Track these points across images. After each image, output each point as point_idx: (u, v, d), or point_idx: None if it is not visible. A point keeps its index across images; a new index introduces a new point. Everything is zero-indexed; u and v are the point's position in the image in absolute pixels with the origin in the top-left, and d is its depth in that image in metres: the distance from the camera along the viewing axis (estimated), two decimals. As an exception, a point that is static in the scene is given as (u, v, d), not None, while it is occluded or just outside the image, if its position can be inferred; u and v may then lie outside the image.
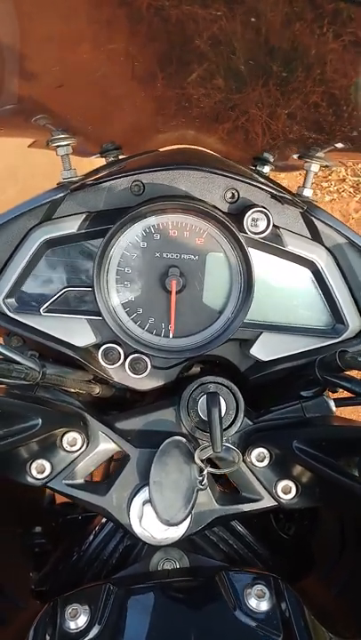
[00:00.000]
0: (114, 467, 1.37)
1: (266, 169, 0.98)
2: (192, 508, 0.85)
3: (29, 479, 0.87)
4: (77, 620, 0.77)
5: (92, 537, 1.12)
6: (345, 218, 3.89)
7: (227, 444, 0.86)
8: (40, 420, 0.80)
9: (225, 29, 0.64)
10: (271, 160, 0.98)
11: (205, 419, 0.88)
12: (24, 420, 0.80)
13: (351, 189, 4.01)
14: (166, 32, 0.67)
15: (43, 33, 0.69)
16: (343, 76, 0.71)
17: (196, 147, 1.06)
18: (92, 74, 0.80)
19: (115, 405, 1.07)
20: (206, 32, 0.65)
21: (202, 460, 0.87)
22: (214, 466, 0.91)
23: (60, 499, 1.46)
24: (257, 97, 0.80)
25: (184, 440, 0.89)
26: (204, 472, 0.87)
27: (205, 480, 0.87)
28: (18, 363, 0.78)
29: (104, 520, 1.14)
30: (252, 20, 0.62)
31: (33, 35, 0.68)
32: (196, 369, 1.02)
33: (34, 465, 0.87)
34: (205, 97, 0.84)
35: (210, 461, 0.90)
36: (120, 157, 0.99)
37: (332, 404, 0.91)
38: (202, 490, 0.88)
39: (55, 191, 0.88)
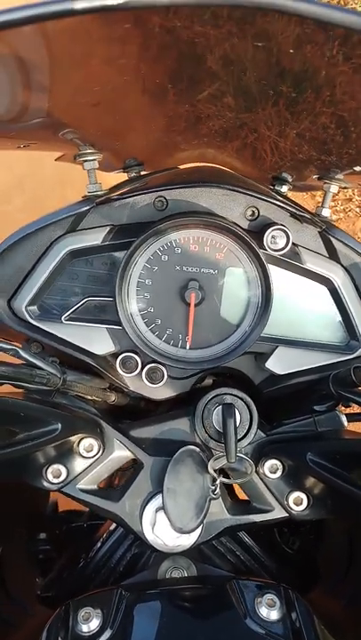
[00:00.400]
0: (119, 475, 1.38)
1: (284, 188, 1.01)
2: (204, 516, 0.87)
3: (45, 483, 0.89)
4: (90, 623, 0.78)
5: (99, 544, 1.13)
6: (350, 237, 3.92)
7: (240, 455, 0.88)
8: (60, 425, 0.82)
9: (236, 49, 0.66)
10: (290, 180, 1.01)
11: (219, 429, 0.90)
12: (44, 424, 0.82)
13: (358, 209, 4.04)
14: (177, 50, 0.69)
15: (69, 55, 0.71)
16: (352, 99, 0.73)
17: (215, 165, 1.09)
18: (125, 92, 0.83)
19: (129, 414, 1.09)
20: (218, 51, 0.67)
21: (215, 470, 0.89)
22: (227, 476, 0.93)
23: (62, 506, 1.48)
24: (266, 116, 0.82)
25: (198, 449, 0.91)
26: (217, 482, 0.88)
27: (218, 490, 0.89)
28: (40, 368, 0.80)
29: (112, 527, 1.15)
30: (262, 44, 0.64)
31: (60, 53, 0.70)
32: (209, 380, 1.04)
33: (50, 469, 0.88)
34: (216, 115, 0.86)
35: (222, 471, 0.92)
36: (142, 173, 1.01)
37: (343, 418, 0.93)
38: (214, 499, 0.89)
39: (81, 204, 0.90)
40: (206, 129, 0.91)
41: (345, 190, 4.06)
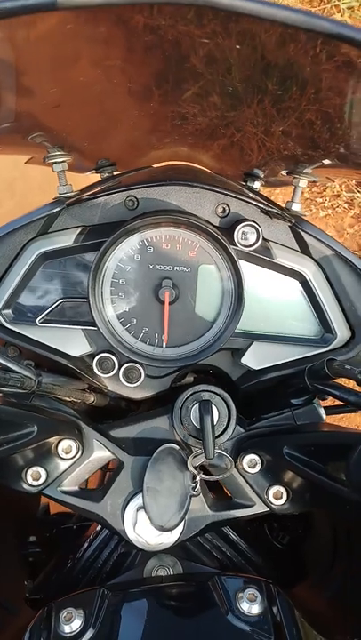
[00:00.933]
0: (109, 475, 1.38)
1: (256, 184, 1.01)
2: (185, 513, 0.87)
3: (25, 486, 0.89)
4: (72, 623, 0.78)
5: (86, 545, 1.13)
6: (339, 233, 3.93)
7: (219, 451, 0.88)
8: (36, 428, 0.82)
9: (221, 48, 0.66)
10: (261, 176, 1.02)
11: (198, 426, 0.90)
12: (20, 427, 0.82)
13: (346, 205, 4.05)
14: (162, 50, 0.69)
15: (39, 53, 0.71)
16: (337, 95, 0.73)
17: (188, 163, 1.10)
18: (87, 93, 0.83)
19: (110, 414, 1.09)
20: (202, 50, 0.68)
21: (195, 467, 0.89)
22: (207, 472, 0.93)
23: (54, 509, 1.48)
24: (252, 114, 0.83)
25: (177, 447, 0.91)
26: (197, 479, 0.89)
27: (198, 486, 0.89)
28: (14, 371, 0.80)
29: (98, 528, 1.15)
30: (246, 43, 0.64)
31: (29, 55, 0.71)
32: (189, 378, 1.04)
33: (29, 472, 0.89)
34: (201, 114, 0.86)
35: (203, 468, 0.92)
36: (115, 173, 1.02)
37: (322, 411, 0.93)
38: (195, 496, 0.90)
39: (51, 205, 0.90)
40: (192, 128, 0.91)
41: (332, 187, 4.07)
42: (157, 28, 0.64)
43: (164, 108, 0.87)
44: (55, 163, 0.91)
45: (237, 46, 0.66)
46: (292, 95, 0.74)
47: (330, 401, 1.02)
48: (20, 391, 0.82)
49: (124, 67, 0.78)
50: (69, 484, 0.93)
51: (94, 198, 0.91)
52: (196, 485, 0.89)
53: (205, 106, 0.83)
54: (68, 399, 0.96)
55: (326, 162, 0.90)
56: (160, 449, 0.91)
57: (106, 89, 0.82)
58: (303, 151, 0.90)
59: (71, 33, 0.68)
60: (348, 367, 0.81)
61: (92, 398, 0.98)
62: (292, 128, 0.84)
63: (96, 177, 1.05)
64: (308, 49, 0.63)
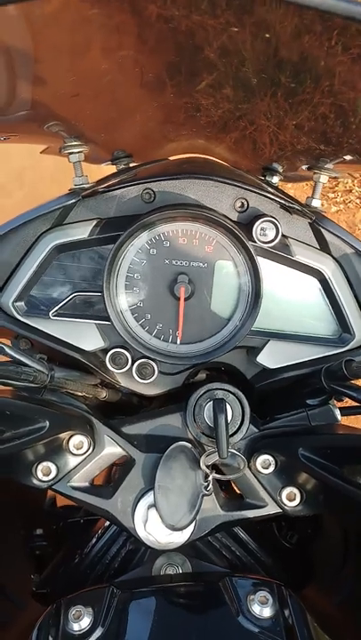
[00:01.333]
0: (116, 471, 1.37)
1: (275, 179, 0.99)
2: (197, 513, 0.86)
3: (35, 481, 0.88)
4: (81, 621, 0.78)
5: (94, 540, 1.13)
6: (351, 229, 3.90)
7: (232, 451, 0.87)
8: (47, 423, 0.81)
9: (234, 39, 0.65)
10: (280, 170, 0.99)
11: (211, 425, 0.89)
12: (32, 422, 0.81)
13: (358, 200, 4.02)
14: (175, 41, 0.68)
15: (55, 42, 0.70)
16: (352, 89, 0.72)
17: (205, 156, 1.07)
18: (104, 82, 0.82)
19: (122, 410, 1.08)
20: (216, 42, 0.66)
21: (207, 466, 0.88)
22: (219, 472, 0.92)
23: (61, 502, 1.47)
24: (265, 107, 0.81)
25: (190, 445, 0.90)
26: (210, 478, 0.88)
27: (210, 486, 0.88)
28: (27, 365, 0.79)
29: (107, 523, 1.15)
30: (262, 33, 0.63)
31: (46, 43, 0.69)
32: (202, 375, 1.03)
33: (40, 467, 0.88)
34: (214, 106, 0.85)
35: (215, 467, 0.91)
36: (131, 165, 1.00)
37: (337, 412, 0.92)
38: (207, 495, 0.88)
39: (67, 197, 0.89)
40: (205, 120, 0.89)
41: (345, 182, 4.03)
42: (171, 18, 0.63)
43: (177, 100, 0.85)
44: (72, 153, 0.90)
45: (251, 38, 0.65)
46: (306, 88, 0.73)
47: (345, 402, 1.00)
48: (33, 385, 0.81)
49: (137, 57, 0.76)
50: (80, 479, 0.92)
51: (110, 190, 0.89)
52: (208, 485, 0.88)
53: (219, 98, 0.81)
54: (79, 394, 0.94)
55: (348, 157, 0.88)
56: (172, 447, 0.89)
57: (121, 79, 0.81)
58: (319, 146, 0.88)
59: (86, 21, 0.67)
60: (367, 368, 0.79)
61: (103, 393, 0.97)
62: (305, 122, 0.82)
63: (111, 168, 1.03)
64: (323, 40, 0.61)
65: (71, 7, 0.60)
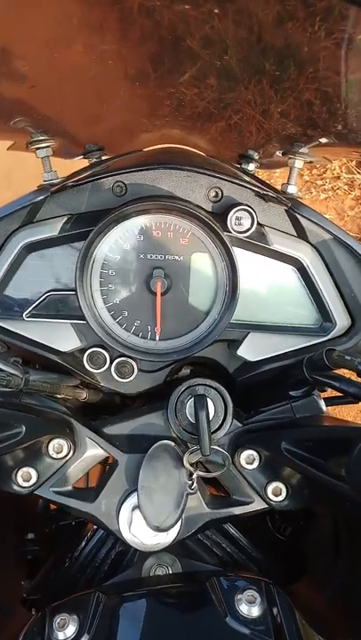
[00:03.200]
0: (104, 473, 1.35)
1: (251, 166, 0.97)
2: (182, 512, 0.84)
3: (15, 487, 0.86)
4: (66, 630, 0.75)
5: (83, 543, 1.11)
6: (340, 215, 3.87)
7: (215, 447, 0.85)
8: (24, 428, 0.79)
9: (217, 29, 0.63)
10: (256, 157, 0.97)
11: (194, 422, 0.87)
12: (7, 428, 0.79)
13: (346, 187, 3.99)
14: (158, 32, 0.66)
15: (21, 33, 0.67)
16: (336, 74, 0.70)
17: (180, 146, 1.05)
18: (74, 74, 0.79)
19: (105, 410, 1.06)
20: (198, 32, 0.65)
21: (191, 464, 0.86)
22: (204, 469, 0.90)
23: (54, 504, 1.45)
24: (250, 95, 0.79)
25: (172, 444, 0.88)
26: (194, 476, 0.85)
27: (195, 484, 0.86)
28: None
29: (95, 526, 1.13)
30: (245, 21, 0.62)
31: (7, 34, 0.66)
32: (186, 371, 1.01)
33: (19, 473, 0.85)
34: (198, 96, 0.83)
35: (199, 465, 0.89)
36: (103, 158, 0.97)
37: (322, 403, 0.90)
38: (192, 494, 0.86)
39: (35, 194, 0.86)
40: (190, 111, 0.87)
41: (332, 169, 4.00)
42: (153, 10, 0.61)
43: (160, 91, 0.83)
44: (39, 148, 0.87)
45: (234, 26, 0.63)
46: (291, 75, 0.71)
47: (330, 392, 0.98)
48: (6, 389, 0.79)
49: (118, 49, 0.74)
50: (62, 483, 0.89)
51: (80, 185, 0.86)
52: (192, 483, 0.86)
53: (203, 88, 0.80)
54: (59, 396, 0.92)
55: (323, 140, 0.86)
56: (155, 446, 0.87)
57: (95, 71, 0.79)
58: (301, 131, 0.86)
59: (64, 12, 0.64)
60: (348, 357, 0.77)
61: (84, 395, 0.95)
62: (291, 108, 0.80)
63: (84, 162, 1.00)
64: (306, 26, 0.60)
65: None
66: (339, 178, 4.01)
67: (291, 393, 0.90)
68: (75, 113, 0.94)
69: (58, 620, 0.78)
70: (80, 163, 1.01)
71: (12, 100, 0.80)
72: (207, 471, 0.89)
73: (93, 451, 0.91)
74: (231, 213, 0.84)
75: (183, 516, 0.86)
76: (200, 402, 0.85)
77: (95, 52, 0.75)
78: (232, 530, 1.09)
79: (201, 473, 0.86)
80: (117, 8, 0.63)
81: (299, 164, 0.88)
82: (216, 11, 0.60)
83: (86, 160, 0.99)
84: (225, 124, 0.93)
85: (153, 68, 0.77)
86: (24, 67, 0.69)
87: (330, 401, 0.97)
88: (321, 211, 4.07)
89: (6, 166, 3.38)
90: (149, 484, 0.85)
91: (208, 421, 0.83)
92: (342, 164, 4.02)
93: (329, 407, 0.98)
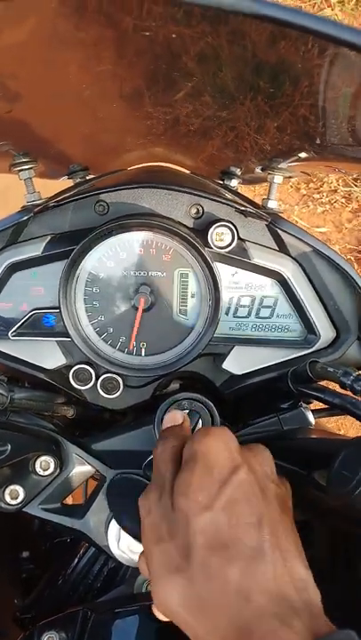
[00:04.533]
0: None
1: (233, 182, 0.98)
2: None
3: (2, 505, 0.86)
4: (53, 648, 0.75)
5: (76, 560, 1.10)
6: (338, 228, 3.88)
7: None
8: (9, 446, 0.80)
9: (211, 47, 0.65)
10: (238, 173, 0.98)
11: None
12: None
13: (343, 200, 4.00)
14: (152, 51, 0.68)
15: (10, 54, 0.69)
16: (331, 89, 0.71)
17: (163, 164, 1.06)
18: (64, 96, 0.81)
19: (95, 426, 1.06)
20: (192, 50, 0.66)
21: None
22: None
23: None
24: (246, 112, 0.80)
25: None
26: None
27: None
28: None
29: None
30: (238, 41, 0.63)
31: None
32: (175, 385, 1.01)
33: (7, 491, 0.86)
34: (194, 114, 0.84)
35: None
36: (87, 178, 0.99)
37: (310, 415, 0.90)
38: None
39: (19, 214, 0.88)
40: (185, 129, 0.89)
41: (329, 182, 4.02)
42: (148, 29, 0.63)
43: (152, 109, 0.85)
44: (22, 170, 0.89)
45: (228, 45, 0.65)
46: (286, 91, 0.73)
47: (317, 404, 0.99)
48: None
49: (101, 69, 0.75)
50: (50, 500, 0.90)
51: (62, 205, 0.87)
52: None
53: (198, 105, 0.81)
54: (47, 414, 0.93)
55: (303, 155, 0.87)
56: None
57: (84, 91, 0.80)
58: (303, 146, 0.87)
59: (54, 36, 0.66)
60: (331, 369, 0.78)
61: (71, 412, 0.95)
62: (287, 124, 0.81)
63: (70, 183, 1.02)
64: (299, 45, 0.62)
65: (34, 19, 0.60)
66: (336, 191, 4.02)
67: (278, 405, 0.90)
68: (61, 134, 0.96)
69: (45, 639, 0.78)
70: (65, 183, 1.02)
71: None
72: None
73: (81, 467, 0.91)
74: (212, 229, 0.85)
75: None
76: (192, 418, 0.85)
77: (88, 73, 0.76)
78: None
79: None
80: (111, 29, 0.65)
81: (278, 179, 0.89)
82: (208, 31, 0.61)
83: (71, 180, 1.00)
84: (221, 142, 0.94)
85: (147, 87, 0.78)
86: (17, 91, 0.71)
87: (318, 413, 0.97)
88: (318, 224, 4.09)
89: (4, 185, 3.41)
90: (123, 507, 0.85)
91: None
92: (339, 177, 4.04)
93: (323, 419, 0.98)
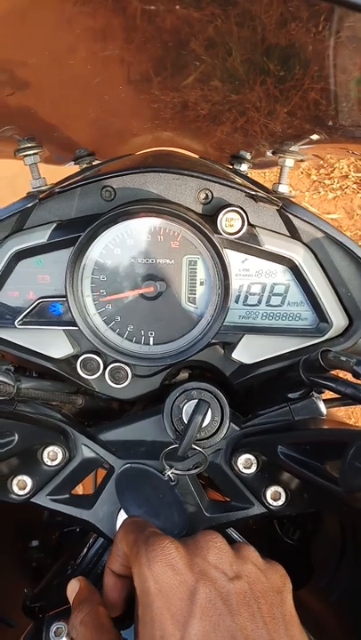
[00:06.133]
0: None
1: (243, 167, 0.96)
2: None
3: (11, 496, 0.85)
4: (62, 638, 0.75)
5: (85, 550, 1.10)
6: (349, 214, 3.84)
7: (195, 447, 0.84)
8: (17, 436, 0.78)
9: (220, 31, 0.63)
10: (248, 157, 0.96)
11: None
12: (0, 436, 0.78)
13: (355, 186, 3.95)
14: (160, 37, 0.66)
15: (20, 41, 0.67)
16: (342, 72, 0.69)
17: (171, 148, 1.04)
18: (74, 81, 0.79)
19: (104, 416, 1.05)
20: (202, 34, 0.64)
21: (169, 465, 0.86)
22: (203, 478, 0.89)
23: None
24: (256, 97, 0.79)
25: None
26: (168, 472, 0.85)
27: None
28: None
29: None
30: (248, 23, 0.62)
31: (5, 42, 0.66)
32: (184, 374, 0.99)
33: (15, 481, 0.85)
34: (204, 99, 0.83)
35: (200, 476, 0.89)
36: (94, 163, 0.97)
37: (321, 405, 0.88)
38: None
39: (24, 201, 0.86)
40: (193, 114, 0.87)
41: (340, 167, 3.97)
42: (155, 14, 0.61)
43: (162, 95, 0.83)
44: (27, 156, 0.87)
45: (237, 28, 0.63)
46: (296, 75, 0.71)
47: (329, 393, 0.97)
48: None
49: (121, 55, 0.74)
50: (59, 490, 0.89)
51: (68, 190, 0.85)
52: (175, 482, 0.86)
53: (207, 90, 0.80)
54: (55, 403, 0.92)
55: (314, 137, 0.85)
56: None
57: (94, 76, 0.79)
58: (293, 129, 0.85)
59: (64, 21, 0.64)
60: (344, 358, 0.75)
61: (79, 401, 0.94)
62: (297, 109, 0.79)
63: (76, 168, 1.00)
64: (310, 27, 0.60)
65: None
66: (347, 177, 3.97)
67: (289, 395, 0.89)
68: (67, 118, 0.94)
69: (54, 629, 0.78)
70: (71, 169, 1.00)
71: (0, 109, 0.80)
72: (206, 478, 0.88)
73: (90, 457, 0.90)
74: (221, 215, 0.83)
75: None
76: (201, 407, 0.83)
77: (97, 59, 0.75)
78: (235, 535, 1.07)
79: (176, 471, 0.85)
80: (119, 14, 0.63)
81: (289, 162, 0.87)
82: (217, 13, 0.60)
83: (77, 166, 0.98)
84: (229, 126, 0.92)
85: (156, 73, 0.76)
86: (22, 75, 0.69)
87: (329, 402, 0.95)
88: (330, 210, 4.04)
89: (12, 174, 3.39)
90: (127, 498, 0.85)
91: (196, 424, 0.82)
92: (350, 162, 3.99)
93: (334, 408, 0.96)
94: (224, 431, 0.86)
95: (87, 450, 0.90)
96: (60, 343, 0.89)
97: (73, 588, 0.72)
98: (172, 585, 0.57)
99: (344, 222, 3.82)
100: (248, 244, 0.84)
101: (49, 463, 0.87)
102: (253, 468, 0.86)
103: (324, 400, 0.89)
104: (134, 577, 0.60)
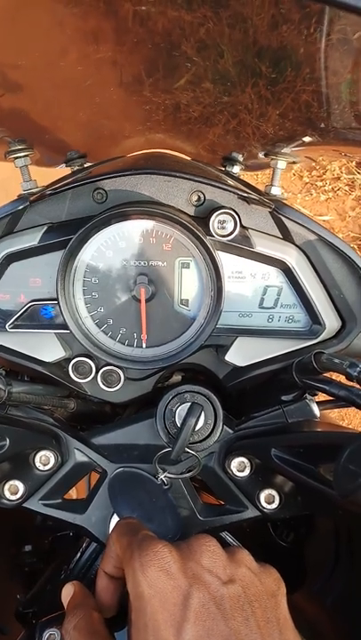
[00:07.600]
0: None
1: (236, 169, 0.96)
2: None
3: (3, 501, 0.84)
4: (54, 646, 0.74)
5: (78, 555, 1.09)
6: (341, 216, 3.85)
7: (188, 451, 0.83)
8: (8, 441, 0.78)
9: (212, 33, 0.63)
10: (240, 159, 0.96)
11: None
12: None
13: (346, 187, 3.96)
14: (152, 39, 0.66)
15: (12, 43, 0.67)
16: (333, 74, 0.69)
17: (163, 150, 1.04)
18: (65, 83, 0.79)
19: (97, 420, 1.05)
20: (193, 37, 0.64)
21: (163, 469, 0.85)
22: (197, 482, 0.88)
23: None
24: (247, 99, 0.78)
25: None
26: (162, 476, 0.84)
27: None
28: None
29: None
30: (239, 25, 0.62)
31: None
32: (177, 377, 0.99)
33: (6, 486, 0.84)
34: (195, 101, 0.82)
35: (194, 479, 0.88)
36: (85, 165, 0.96)
37: (315, 407, 0.88)
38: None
39: (15, 203, 0.85)
40: (185, 116, 0.87)
41: (332, 169, 3.98)
42: (147, 17, 0.61)
43: (153, 97, 0.83)
44: (17, 158, 0.86)
45: (229, 30, 0.63)
46: (287, 77, 0.71)
47: (324, 395, 0.96)
48: None
49: (114, 57, 0.74)
50: (51, 495, 0.88)
51: (59, 193, 0.85)
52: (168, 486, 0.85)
53: (199, 93, 0.79)
54: (47, 407, 0.91)
55: (307, 139, 0.84)
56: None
57: (85, 78, 0.79)
58: (285, 131, 0.85)
59: (56, 23, 0.64)
60: (337, 360, 0.75)
61: (71, 405, 0.94)
62: (288, 111, 0.79)
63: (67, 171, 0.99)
64: (301, 29, 0.60)
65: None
66: (339, 179, 3.98)
67: (282, 397, 0.88)
68: (58, 120, 0.93)
69: (47, 636, 0.77)
70: (63, 171, 1.00)
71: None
72: (198, 481, 0.87)
73: (82, 461, 0.89)
74: (214, 217, 0.82)
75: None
76: (194, 410, 0.83)
77: (88, 61, 0.74)
78: (229, 538, 1.07)
79: (169, 475, 0.85)
80: (111, 16, 0.63)
81: (281, 164, 0.87)
82: (209, 16, 0.60)
83: (69, 168, 0.98)
84: (221, 128, 0.92)
85: (147, 75, 0.76)
86: (13, 76, 0.69)
87: (323, 405, 0.95)
88: (322, 212, 4.05)
89: (4, 176, 3.38)
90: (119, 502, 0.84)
91: (189, 427, 0.81)
92: (342, 164, 4.00)
93: (328, 411, 0.96)
94: (217, 434, 0.86)
95: (80, 454, 0.89)
96: (52, 346, 0.88)
97: (68, 592, 0.71)
98: (166, 589, 0.56)
99: (336, 224, 3.83)
100: (241, 246, 0.84)
101: (41, 468, 0.86)
102: (247, 471, 0.86)
103: (317, 402, 0.89)
104: (127, 581, 0.60)
